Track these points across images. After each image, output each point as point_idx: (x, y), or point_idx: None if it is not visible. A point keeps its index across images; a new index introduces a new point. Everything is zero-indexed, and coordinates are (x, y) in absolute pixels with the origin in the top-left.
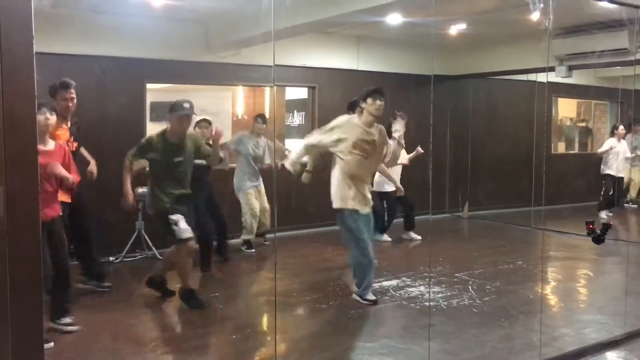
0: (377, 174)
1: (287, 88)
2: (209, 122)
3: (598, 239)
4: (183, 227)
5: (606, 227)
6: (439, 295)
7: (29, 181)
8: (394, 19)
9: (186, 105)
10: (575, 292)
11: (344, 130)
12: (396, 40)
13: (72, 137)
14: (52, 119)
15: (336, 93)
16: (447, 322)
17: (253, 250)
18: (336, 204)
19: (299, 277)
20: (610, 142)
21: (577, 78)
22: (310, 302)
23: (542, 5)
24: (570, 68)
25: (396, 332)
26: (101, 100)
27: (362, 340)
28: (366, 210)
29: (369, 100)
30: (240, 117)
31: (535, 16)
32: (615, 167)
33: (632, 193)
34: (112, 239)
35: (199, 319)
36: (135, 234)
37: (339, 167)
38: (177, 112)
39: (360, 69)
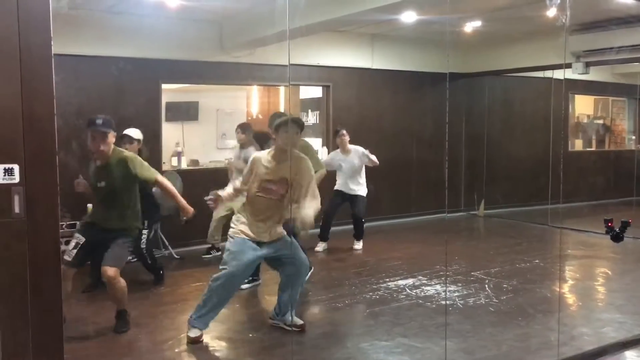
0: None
1: (301, 87)
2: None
3: (617, 237)
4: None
5: (625, 224)
6: (455, 294)
7: (49, 182)
8: (409, 16)
9: (99, 120)
10: (593, 290)
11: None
12: (411, 38)
13: None
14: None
15: (351, 92)
16: (464, 321)
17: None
18: None
19: (314, 275)
20: None
21: (594, 75)
22: (325, 301)
23: (558, 1)
24: (588, 64)
25: (412, 331)
26: (117, 101)
27: (378, 339)
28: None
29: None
30: (255, 117)
31: (551, 12)
32: None
33: None
34: None
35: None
36: (152, 233)
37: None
38: (88, 127)
39: (374, 67)
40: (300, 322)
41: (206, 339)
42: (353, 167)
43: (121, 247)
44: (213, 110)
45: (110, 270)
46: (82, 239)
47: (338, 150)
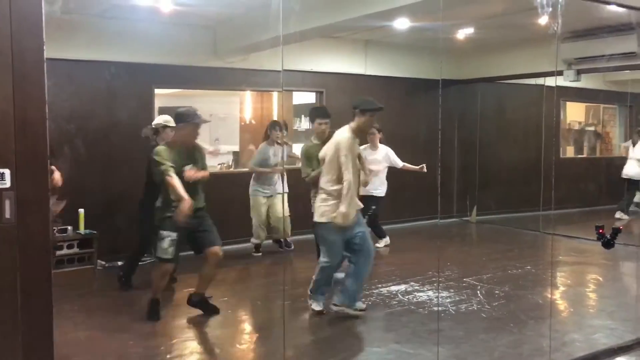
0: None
1: (294, 93)
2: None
3: (608, 244)
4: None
5: (616, 231)
6: (448, 300)
7: (40, 186)
8: (402, 23)
9: (198, 113)
10: (584, 297)
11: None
12: (404, 45)
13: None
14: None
15: (344, 98)
16: (456, 327)
17: (260, 254)
18: None
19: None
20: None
21: (586, 82)
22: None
23: (550, 9)
24: (579, 72)
25: (405, 337)
26: (110, 106)
27: (370, 345)
28: None
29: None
30: (248, 122)
31: (543, 20)
32: (634, 167)
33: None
34: (120, 243)
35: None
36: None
37: None
38: (185, 121)
39: (368, 73)
40: (363, 306)
41: (195, 345)
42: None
43: (213, 226)
44: (206, 115)
45: (220, 250)
46: (174, 234)
47: (368, 145)
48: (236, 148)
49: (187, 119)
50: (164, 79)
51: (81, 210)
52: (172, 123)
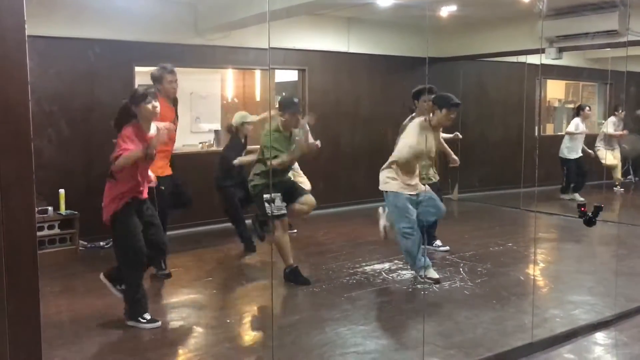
0: None
1: (276, 71)
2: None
3: (589, 222)
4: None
5: (598, 209)
6: None
7: (24, 170)
8: (385, 0)
9: (296, 100)
10: (564, 273)
11: None
12: (387, 22)
13: (176, 117)
14: (158, 106)
15: (326, 76)
16: (440, 305)
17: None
18: None
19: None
20: (577, 122)
21: (567, 60)
22: (302, 286)
23: None
24: (560, 50)
25: (389, 315)
26: (89, 84)
27: (355, 324)
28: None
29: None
30: (230, 100)
31: None
32: (579, 148)
33: (617, 174)
34: (101, 223)
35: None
36: None
37: None
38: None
39: (350, 51)
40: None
41: (181, 322)
42: None
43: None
44: (186, 93)
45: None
46: (279, 193)
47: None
48: (217, 126)
49: (290, 109)
50: (144, 56)
51: (62, 191)
52: (249, 119)
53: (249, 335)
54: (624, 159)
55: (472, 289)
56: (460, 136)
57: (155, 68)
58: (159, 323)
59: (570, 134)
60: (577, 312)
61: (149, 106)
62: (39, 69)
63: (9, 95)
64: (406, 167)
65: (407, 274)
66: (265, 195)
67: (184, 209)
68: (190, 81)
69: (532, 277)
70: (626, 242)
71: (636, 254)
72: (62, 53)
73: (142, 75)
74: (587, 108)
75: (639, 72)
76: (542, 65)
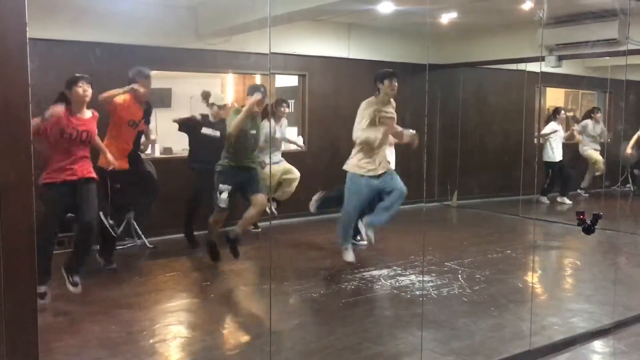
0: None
1: (276, 76)
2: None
3: (588, 229)
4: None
5: (596, 217)
6: (430, 284)
7: (24, 172)
8: (386, 7)
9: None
10: (563, 281)
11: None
12: (387, 29)
13: (146, 120)
14: (89, 91)
15: (327, 81)
16: (438, 311)
17: (259, 230)
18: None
19: (289, 265)
20: (552, 125)
21: (566, 68)
22: (301, 291)
23: None
24: (560, 58)
25: (387, 321)
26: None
27: (354, 329)
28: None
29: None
30: (230, 105)
31: (527, 5)
32: (559, 152)
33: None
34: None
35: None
36: (124, 223)
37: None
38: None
39: (351, 57)
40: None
41: (178, 329)
42: None
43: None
44: (186, 97)
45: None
46: (229, 187)
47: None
48: (217, 133)
49: (255, 92)
50: (145, 60)
51: None
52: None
53: (247, 341)
54: (622, 168)
55: (470, 295)
56: (414, 131)
57: (133, 68)
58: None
59: (542, 135)
60: (576, 320)
61: (80, 89)
62: (40, 72)
63: (9, 97)
64: (366, 149)
65: (406, 280)
66: (221, 186)
67: (152, 198)
68: (190, 85)
69: (531, 284)
70: (625, 250)
71: (635, 263)
72: (63, 56)
73: None
74: (563, 112)
75: (639, 80)
76: (542, 73)
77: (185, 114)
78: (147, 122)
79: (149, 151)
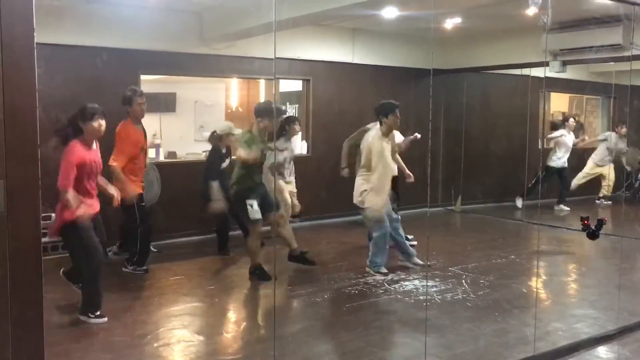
0: None
1: (281, 80)
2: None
3: (593, 235)
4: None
5: (601, 222)
6: (434, 289)
7: (30, 175)
8: (390, 12)
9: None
10: (567, 286)
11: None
12: (392, 34)
13: (145, 139)
14: (104, 125)
15: (331, 86)
16: (442, 316)
17: None
18: None
19: (293, 269)
20: (562, 131)
21: (570, 73)
22: (305, 296)
23: (540, 0)
24: (564, 63)
25: (391, 326)
26: (96, 91)
27: (358, 334)
28: None
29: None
30: (234, 109)
31: (531, 11)
32: (564, 160)
33: (605, 190)
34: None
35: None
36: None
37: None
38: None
39: (355, 62)
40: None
41: (182, 333)
42: None
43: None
44: (191, 101)
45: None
46: (255, 200)
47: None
48: None
49: (265, 116)
50: (150, 64)
51: None
52: (234, 131)
53: (250, 345)
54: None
55: (474, 301)
56: (419, 135)
57: (126, 90)
58: (106, 319)
59: (549, 138)
60: (580, 325)
61: (95, 124)
62: (47, 76)
63: (17, 101)
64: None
65: (410, 285)
66: (248, 201)
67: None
68: (194, 90)
69: (535, 289)
70: (629, 255)
71: (639, 268)
72: (69, 60)
73: (148, 83)
74: (572, 119)
75: None
76: (546, 78)
77: (189, 119)
78: (145, 139)
79: (152, 155)
